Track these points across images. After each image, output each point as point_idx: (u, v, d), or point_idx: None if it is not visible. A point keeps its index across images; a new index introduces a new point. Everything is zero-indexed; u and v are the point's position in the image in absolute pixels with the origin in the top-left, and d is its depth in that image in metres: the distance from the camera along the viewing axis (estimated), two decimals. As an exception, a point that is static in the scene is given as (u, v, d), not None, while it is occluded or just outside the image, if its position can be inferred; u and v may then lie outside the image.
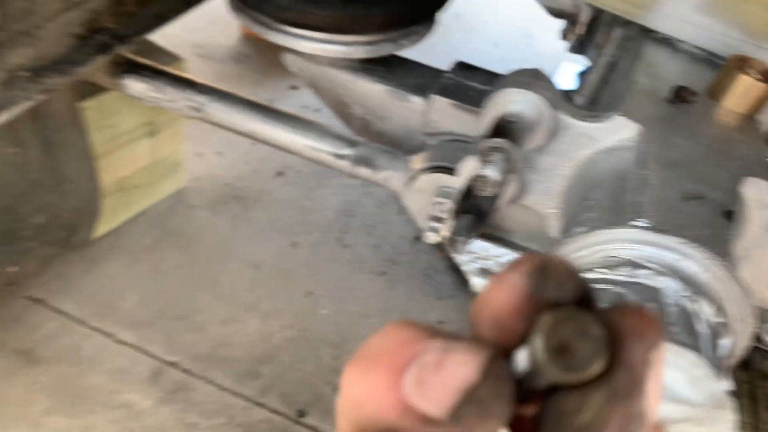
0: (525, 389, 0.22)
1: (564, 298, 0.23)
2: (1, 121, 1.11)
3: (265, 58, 2.75)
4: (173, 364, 1.56)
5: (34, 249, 1.36)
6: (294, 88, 2.52)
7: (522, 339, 0.22)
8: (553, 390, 0.22)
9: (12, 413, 1.42)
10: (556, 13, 1.57)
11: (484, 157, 0.97)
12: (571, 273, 0.23)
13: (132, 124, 1.71)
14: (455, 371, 0.20)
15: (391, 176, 1.26)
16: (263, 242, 1.92)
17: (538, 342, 0.21)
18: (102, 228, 1.72)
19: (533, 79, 1.03)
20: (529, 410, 0.23)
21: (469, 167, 1.08)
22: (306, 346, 1.66)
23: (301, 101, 2.41)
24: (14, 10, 1.12)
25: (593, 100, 1.12)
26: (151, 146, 1.83)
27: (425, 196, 1.18)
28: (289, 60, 1.38)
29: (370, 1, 1.24)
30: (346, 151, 1.31)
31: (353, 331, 1.71)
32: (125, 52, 1.39)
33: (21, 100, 1.14)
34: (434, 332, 0.22)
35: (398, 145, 1.33)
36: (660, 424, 0.25)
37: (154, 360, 1.56)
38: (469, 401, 0.20)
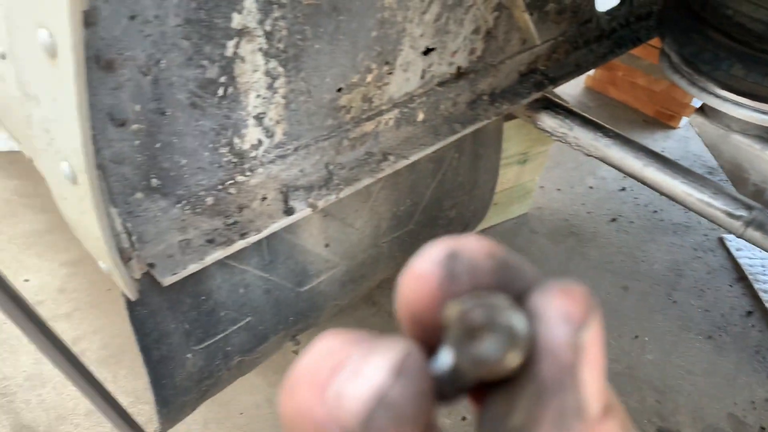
0: (455, 387, 0.20)
1: (481, 283, 0.21)
2: (462, 134, 1.39)
3: (605, 110, 2.91)
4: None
5: (440, 237, 1.65)
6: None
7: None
8: (487, 386, 0.20)
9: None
10: None
11: None
12: (488, 253, 0.21)
13: (513, 150, 1.97)
14: (368, 377, 0.19)
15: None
16: (596, 279, 2.06)
17: (446, 335, 0.20)
18: (466, 232, 2.01)
19: None
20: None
21: None
22: (630, 383, 1.76)
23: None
24: (493, 47, 1.41)
25: None
26: (518, 172, 2.08)
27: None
28: (694, 120, 1.51)
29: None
30: (741, 212, 1.40)
31: (677, 384, 1.77)
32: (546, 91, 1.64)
33: (481, 118, 1.43)
34: (359, 339, 0.20)
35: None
36: (611, 406, 0.21)
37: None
38: (381, 406, 0.18)
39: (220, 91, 0.92)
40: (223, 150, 0.99)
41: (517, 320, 0.19)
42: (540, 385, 0.19)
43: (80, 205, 0.73)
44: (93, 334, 1.74)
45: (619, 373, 1.78)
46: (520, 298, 0.21)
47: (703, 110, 1.52)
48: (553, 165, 2.53)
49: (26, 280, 1.87)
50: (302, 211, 1.11)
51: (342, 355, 0.20)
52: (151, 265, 0.94)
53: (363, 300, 1.92)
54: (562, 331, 0.19)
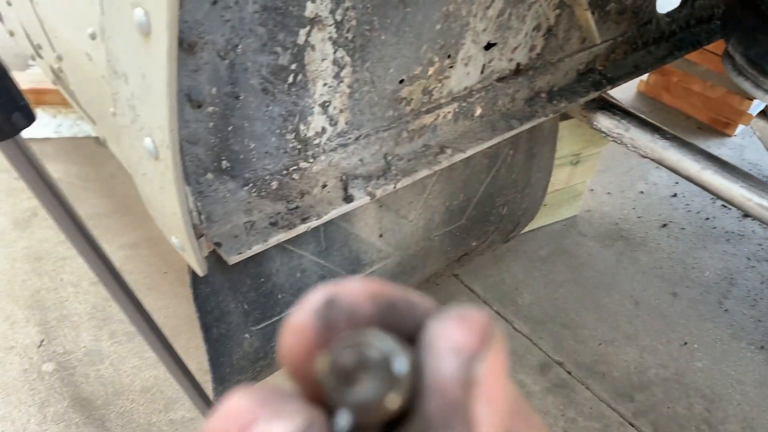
0: None
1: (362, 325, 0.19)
2: (519, 130, 1.40)
3: (658, 116, 2.87)
4: (559, 364, 1.76)
5: (491, 233, 1.66)
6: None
7: None
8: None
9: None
10: None
11: None
12: (370, 295, 0.20)
13: (566, 151, 1.96)
14: None
15: None
16: (645, 283, 2.04)
17: (324, 390, 0.18)
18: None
19: None
20: None
21: None
22: (679, 389, 1.74)
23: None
24: (553, 44, 1.41)
25: None
26: (569, 174, 2.07)
27: None
28: (756, 124, 1.49)
29: None
30: (802, 218, 1.37)
31: (726, 393, 1.74)
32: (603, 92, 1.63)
33: (538, 115, 1.43)
34: (267, 401, 0.19)
35: None
36: None
37: (543, 354, 1.78)
38: None
39: (290, 78, 0.95)
40: (289, 136, 1.02)
41: (392, 350, 0.17)
42: (427, 424, 0.17)
43: (160, 180, 0.76)
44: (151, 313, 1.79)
45: (666, 378, 1.76)
46: (413, 337, 0.19)
47: (766, 114, 1.49)
48: (603, 169, 2.51)
49: (86, 261, 1.95)
50: (361, 200, 1.13)
51: (248, 418, 0.18)
52: (218, 244, 0.97)
53: (409, 294, 1.94)
54: (449, 364, 0.17)
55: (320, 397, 0.19)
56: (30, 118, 0.60)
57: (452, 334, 0.18)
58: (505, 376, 0.18)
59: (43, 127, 2.50)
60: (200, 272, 0.92)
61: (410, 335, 0.19)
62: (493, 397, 0.17)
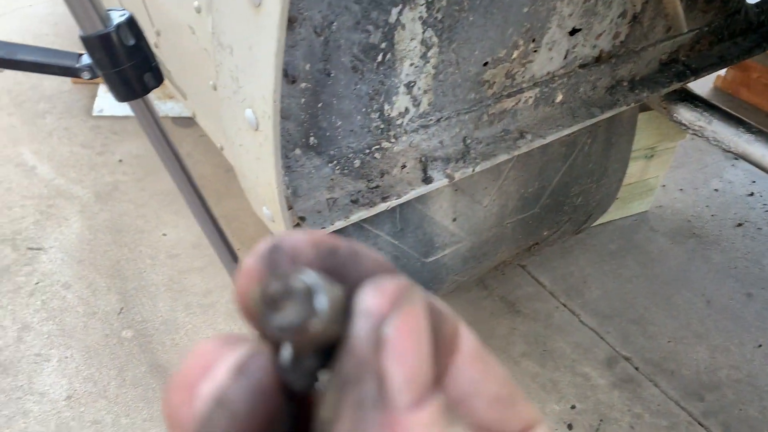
0: (301, 374, 0.21)
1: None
2: (600, 119, 1.38)
3: (736, 112, 2.77)
4: (627, 359, 1.73)
5: (563, 224, 1.65)
6: None
7: None
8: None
9: (496, 345, 1.75)
10: None
11: None
12: (312, 243, 0.22)
13: (642, 143, 1.92)
14: (213, 377, 0.20)
15: None
16: (718, 283, 1.98)
17: (255, 311, 0.20)
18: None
19: None
20: None
21: None
22: (752, 392, 1.69)
23: None
24: (637, 32, 1.38)
25: None
26: (643, 167, 2.03)
27: None
28: None
29: None
30: None
31: (803, 398, 1.68)
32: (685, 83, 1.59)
33: (619, 104, 1.41)
34: (229, 342, 0.21)
35: None
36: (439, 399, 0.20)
37: (610, 349, 1.75)
38: (219, 405, 0.19)
39: (380, 57, 0.96)
40: (374, 115, 1.04)
41: (314, 283, 0.19)
42: (342, 378, 0.19)
43: (258, 150, 0.79)
44: (223, 288, 1.86)
45: (738, 380, 1.71)
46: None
47: None
48: (677, 165, 2.45)
49: (164, 234, 2.03)
50: (440, 181, 1.14)
51: (211, 356, 0.21)
52: (302, 219, 1.00)
53: (475, 282, 1.94)
54: (360, 326, 0.19)
55: (268, 336, 0.21)
56: (159, 79, 0.64)
57: (366, 299, 0.20)
58: (419, 335, 0.20)
59: (123, 105, 2.60)
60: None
61: (351, 287, 0.21)
62: (402, 353, 0.19)
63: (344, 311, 0.20)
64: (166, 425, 0.21)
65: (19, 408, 1.56)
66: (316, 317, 0.19)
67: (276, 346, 0.21)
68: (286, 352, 0.21)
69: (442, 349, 0.22)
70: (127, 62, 0.61)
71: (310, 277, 0.20)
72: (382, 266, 0.23)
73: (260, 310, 0.20)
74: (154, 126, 0.65)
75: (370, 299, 0.20)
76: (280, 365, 0.21)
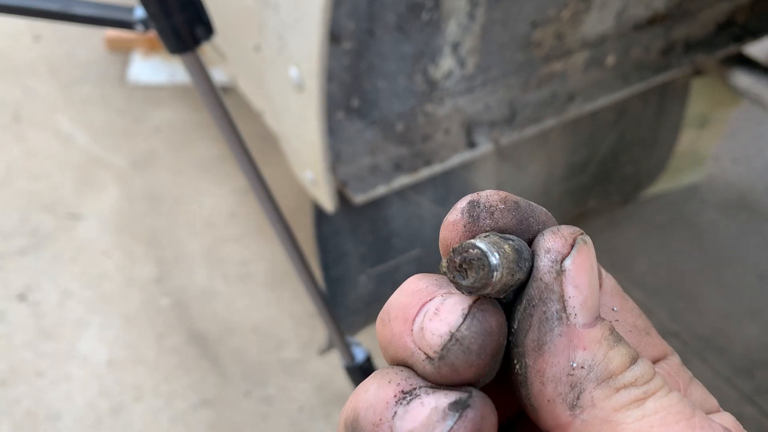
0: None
1: (499, 221, 0.26)
2: (659, 82, 1.31)
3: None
4: (675, 334, 1.68)
5: (611, 193, 1.59)
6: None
7: None
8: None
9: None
10: None
11: None
12: (501, 199, 0.26)
13: (694, 110, 1.84)
14: (445, 317, 0.24)
15: None
16: (771, 257, 1.91)
17: (447, 276, 0.24)
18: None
19: None
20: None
21: None
22: (805, 369, 1.62)
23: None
24: (695, -8, 1.31)
25: None
26: (694, 137, 1.95)
27: None
28: None
29: None
30: None
31: None
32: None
33: (673, 68, 1.34)
34: (441, 283, 0.25)
35: None
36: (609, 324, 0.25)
37: (658, 323, 1.70)
38: (453, 341, 0.23)
39: (425, 16, 0.92)
40: (418, 77, 1.00)
41: (487, 250, 0.23)
42: (529, 300, 0.24)
43: (302, 112, 0.76)
44: (260, 258, 1.85)
45: (792, 357, 1.65)
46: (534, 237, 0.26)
47: None
48: (729, 135, 2.34)
49: (201, 203, 2.02)
50: (484, 146, 1.10)
51: (426, 295, 0.25)
52: (345, 183, 0.97)
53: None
54: (544, 261, 0.25)
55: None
56: (210, 31, 0.63)
57: (548, 241, 0.25)
58: (591, 271, 0.25)
59: (157, 72, 2.59)
60: (330, 207, 0.92)
61: (533, 234, 0.26)
62: (578, 281, 0.24)
63: (521, 259, 0.24)
64: (384, 347, 0.26)
65: (63, 372, 1.58)
66: (495, 278, 0.23)
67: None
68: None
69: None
70: (179, 14, 0.60)
71: (486, 243, 0.23)
72: (551, 217, 0.27)
73: (450, 276, 0.24)
74: (205, 81, 0.63)
75: (551, 241, 0.25)
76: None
